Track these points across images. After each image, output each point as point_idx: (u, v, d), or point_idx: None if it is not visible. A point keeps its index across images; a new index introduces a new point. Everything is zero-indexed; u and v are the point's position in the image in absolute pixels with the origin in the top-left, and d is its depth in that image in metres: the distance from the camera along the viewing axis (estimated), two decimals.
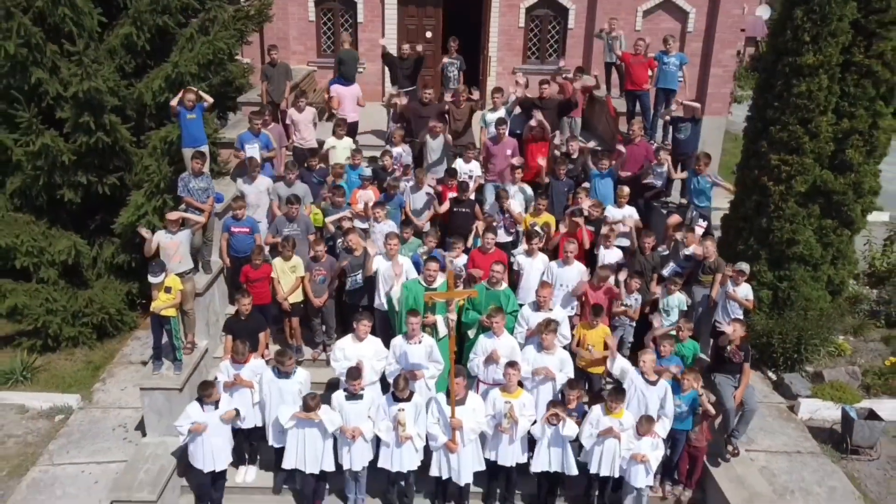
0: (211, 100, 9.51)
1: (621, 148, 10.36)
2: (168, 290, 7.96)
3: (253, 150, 9.83)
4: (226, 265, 9.24)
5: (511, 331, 8.11)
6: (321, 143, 10.82)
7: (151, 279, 7.92)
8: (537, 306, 8.11)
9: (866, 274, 13.32)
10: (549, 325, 7.55)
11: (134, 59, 10.27)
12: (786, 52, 9.78)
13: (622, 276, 8.45)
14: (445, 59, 12.75)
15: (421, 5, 16.34)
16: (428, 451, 7.58)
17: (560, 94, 11.60)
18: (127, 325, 10.98)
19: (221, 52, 10.51)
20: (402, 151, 10.65)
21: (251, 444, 8.14)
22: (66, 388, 9.76)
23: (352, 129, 11.91)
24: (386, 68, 14.07)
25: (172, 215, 8.31)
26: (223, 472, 7.70)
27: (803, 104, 9.69)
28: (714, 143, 16.94)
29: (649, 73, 11.71)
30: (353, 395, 7.24)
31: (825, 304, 10.59)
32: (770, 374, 10.44)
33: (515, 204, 9.53)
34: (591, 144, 10.90)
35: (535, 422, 7.50)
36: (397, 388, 7.21)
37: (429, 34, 16.57)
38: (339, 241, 9.05)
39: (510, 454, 7.51)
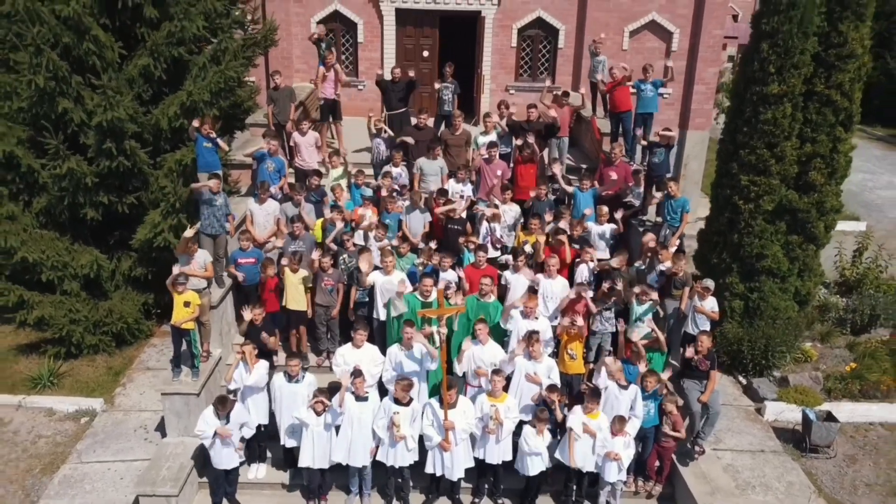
0: (226, 147, 10.41)
1: (613, 175, 11.15)
2: (187, 304, 8.78)
3: (265, 174, 10.64)
4: (239, 280, 9.98)
5: (500, 338, 8.97)
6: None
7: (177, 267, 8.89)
8: (525, 315, 8.95)
9: (837, 283, 14.15)
10: (532, 338, 8.37)
11: (151, 87, 11.07)
12: (753, 82, 10.62)
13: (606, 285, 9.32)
14: (439, 85, 13.52)
15: (418, 26, 17.15)
16: (423, 450, 8.39)
17: (545, 117, 12.37)
18: (143, 333, 11.80)
19: (232, 80, 11.33)
20: (401, 172, 11.47)
21: (260, 445, 8.95)
22: (90, 392, 10.58)
23: (332, 108, 13.28)
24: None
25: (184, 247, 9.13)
26: (236, 469, 8.52)
27: (770, 130, 10.54)
28: (699, 156, 17.81)
29: (632, 91, 12.55)
30: (360, 398, 8.05)
31: (793, 314, 11.43)
32: (740, 378, 11.27)
33: (498, 226, 10.33)
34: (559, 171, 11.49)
35: (519, 422, 8.33)
36: (398, 394, 8.03)
37: (426, 53, 17.40)
38: (343, 256, 9.85)
39: (497, 453, 8.32)
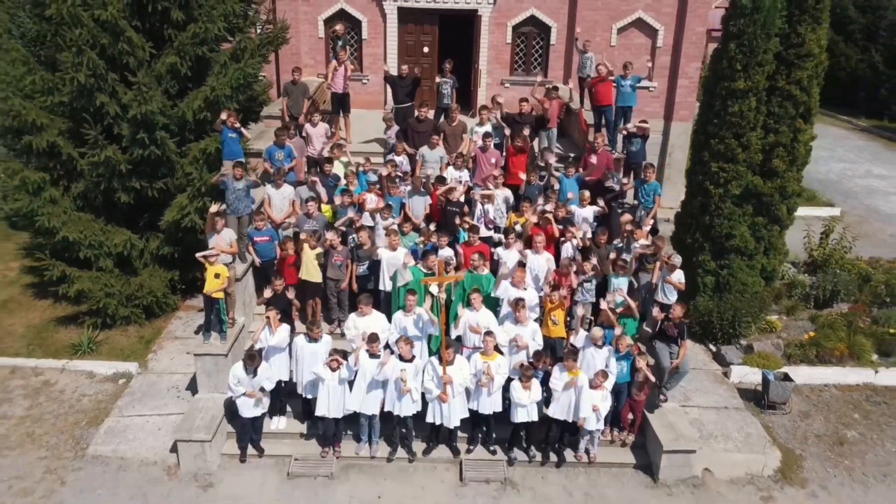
0: (250, 136, 11.59)
1: (595, 162, 12.33)
2: (217, 276, 9.96)
3: (279, 162, 11.81)
4: (256, 262, 11.15)
5: (493, 307, 10.16)
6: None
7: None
8: (514, 285, 10.13)
9: (805, 263, 15.32)
10: (519, 304, 9.57)
11: (177, 82, 12.20)
12: (723, 78, 11.78)
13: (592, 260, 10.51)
14: (439, 79, 14.66)
15: (419, 23, 18.26)
16: (425, 404, 9.58)
17: (537, 109, 13.51)
18: (170, 306, 12.98)
19: (250, 77, 12.47)
20: (403, 160, 12.64)
21: (281, 400, 10.16)
22: (125, 357, 11.77)
23: (342, 101, 14.44)
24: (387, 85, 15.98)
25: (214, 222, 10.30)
26: (260, 418, 9.72)
27: (736, 121, 11.70)
28: (682, 146, 18.90)
29: (615, 81, 13.72)
30: (373, 355, 9.24)
31: (759, 288, 12.60)
32: (710, 346, 12.48)
33: (491, 208, 11.51)
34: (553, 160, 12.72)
35: (509, 379, 9.53)
36: (403, 352, 9.22)
37: (426, 49, 18.51)
38: (352, 236, 11.02)
39: (488, 405, 9.52)
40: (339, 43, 15.03)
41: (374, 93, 18.48)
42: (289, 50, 17.60)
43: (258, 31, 14.02)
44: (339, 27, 15.73)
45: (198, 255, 10.12)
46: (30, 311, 13.08)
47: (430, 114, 13.49)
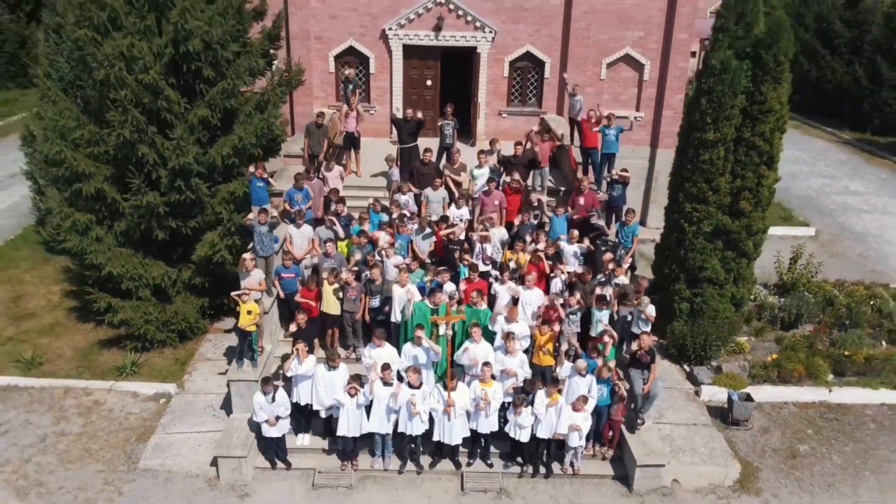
0: (275, 185, 13.03)
1: (582, 202, 13.78)
2: (250, 312, 11.43)
3: (297, 203, 13.27)
4: (280, 295, 12.63)
5: (490, 336, 11.63)
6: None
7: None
8: (508, 319, 11.60)
9: (776, 285, 16.79)
10: (510, 337, 11.04)
11: (208, 132, 13.62)
12: (695, 129, 13.22)
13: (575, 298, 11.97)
14: (442, 121, 16.07)
15: (422, 59, 19.67)
16: (431, 423, 11.06)
17: (531, 149, 14.94)
18: (200, 330, 14.46)
19: (273, 125, 13.90)
20: (409, 199, 14.09)
21: (306, 419, 11.64)
22: (164, 378, 13.26)
23: (353, 140, 15.99)
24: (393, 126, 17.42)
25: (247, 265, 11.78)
26: (282, 437, 11.19)
27: (707, 168, 13.14)
28: (667, 171, 20.15)
29: (600, 130, 15.17)
30: (386, 383, 10.71)
31: (729, 314, 14.06)
32: (685, 366, 13.96)
33: (489, 247, 12.96)
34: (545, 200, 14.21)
35: (503, 403, 11.00)
36: (412, 380, 10.70)
37: (429, 82, 19.94)
38: (365, 273, 12.48)
39: (486, 425, 11.00)
40: (350, 87, 16.42)
41: (380, 123, 19.90)
42: (301, 93, 18.99)
43: (275, 79, 15.34)
44: (349, 72, 17.13)
45: (232, 294, 11.60)
46: (75, 334, 14.55)
47: (433, 156, 14.89)
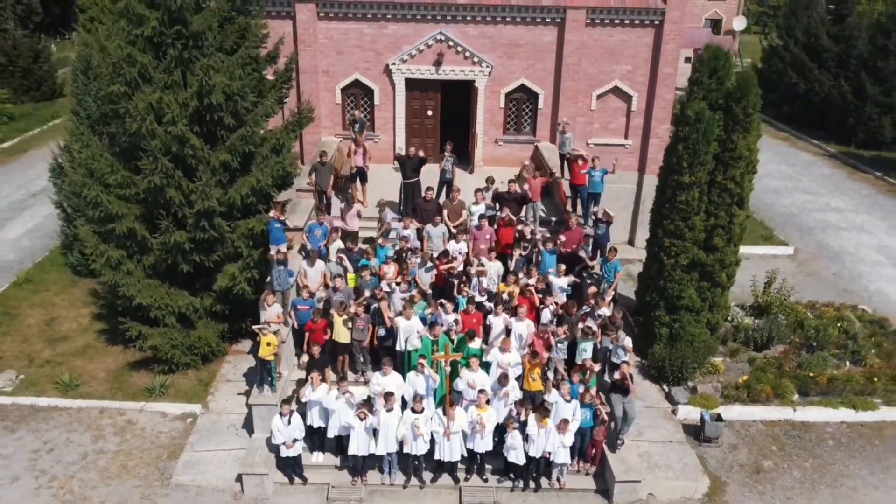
0: (290, 226, 14.36)
1: (570, 237, 15.11)
2: (269, 344, 12.75)
3: (315, 239, 14.58)
4: (294, 325, 13.96)
5: (486, 367, 12.94)
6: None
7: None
8: (502, 350, 12.92)
9: (752, 307, 18.10)
10: (505, 377, 12.35)
11: (228, 174, 14.90)
12: (673, 172, 14.51)
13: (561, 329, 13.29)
14: (440, 165, 17.33)
15: (423, 90, 20.93)
16: (432, 443, 12.37)
17: (523, 189, 16.25)
18: (221, 352, 15.78)
19: (288, 169, 15.18)
20: (412, 233, 15.39)
21: (320, 440, 12.96)
22: (189, 399, 14.60)
23: (361, 174, 17.33)
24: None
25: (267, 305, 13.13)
26: (298, 457, 12.51)
27: (684, 208, 14.44)
28: (652, 196, 21.66)
29: (587, 172, 16.48)
30: (389, 409, 12.04)
31: (705, 338, 15.38)
32: (664, 386, 15.28)
33: (485, 279, 14.28)
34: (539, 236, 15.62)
35: (497, 424, 12.33)
36: (416, 407, 12.03)
37: (430, 112, 21.21)
38: (374, 305, 13.78)
39: (481, 445, 12.32)
40: (357, 126, 17.70)
41: (384, 149, 21.17)
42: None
43: (288, 123, 16.55)
44: (357, 112, 18.41)
45: (254, 327, 12.91)
46: (106, 356, 15.88)
47: (434, 193, 16.19)
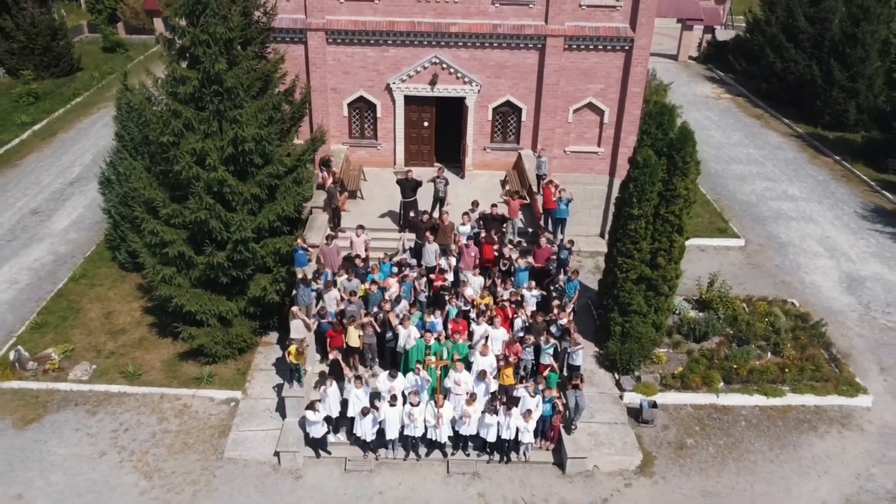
0: (313, 251, 17.53)
1: (541, 255, 18.33)
2: (300, 353, 16.16)
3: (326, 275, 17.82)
4: (312, 330, 17.31)
5: (469, 366, 16.38)
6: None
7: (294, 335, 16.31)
8: (482, 354, 16.34)
9: (697, 300, 21.44)
10: (485, 374, 15.80)
11: (258, 203, 17.95)
12: (625, 205, 17.60)
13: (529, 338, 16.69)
14: (434, 185, 20.32)
15: (420, 105, 23.69)
16: (426, 427, 15.93)
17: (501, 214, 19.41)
18: (253, 345, 19.21)
19: (306, 195, 18.25)
20: (407, 255, 18.59)
21: (339, 424, 16.52)
22: (231, 386, 18.10)
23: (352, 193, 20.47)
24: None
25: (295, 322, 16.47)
26: (324, 437, 16.09)
27: (633, 234, 17.59)
28: None
29: (556, 199, 19.59)
30: (393, 405, 15.54)
31: (652, 335, 18.79)
32: (615, 375, 18.79)
33: (469, 290, 17.58)
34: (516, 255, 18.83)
35: (483, 411, 15.88)
36: (412, 401, 15.53)
37: (426, 123, 24.04)
38: (380, 315, 17.10)
39: (466, 430, 15.87)
40: (326, 166, 20.71)
41: (386, 155, 24.14)
42: (319, 125, 23.11)
43: (305, 156, 19.46)
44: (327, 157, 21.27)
45: (288, 343, 16.23)
46: (159, 348, 19.33)
47: (427, 217, 19.31)
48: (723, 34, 51.85)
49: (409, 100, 23.41)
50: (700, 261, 24.41)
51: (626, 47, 22.38)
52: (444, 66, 22.64)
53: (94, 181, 28.39)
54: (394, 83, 22.96)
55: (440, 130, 24.36)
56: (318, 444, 16.25)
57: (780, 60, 40.20)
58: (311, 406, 15.62)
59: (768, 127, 38.11)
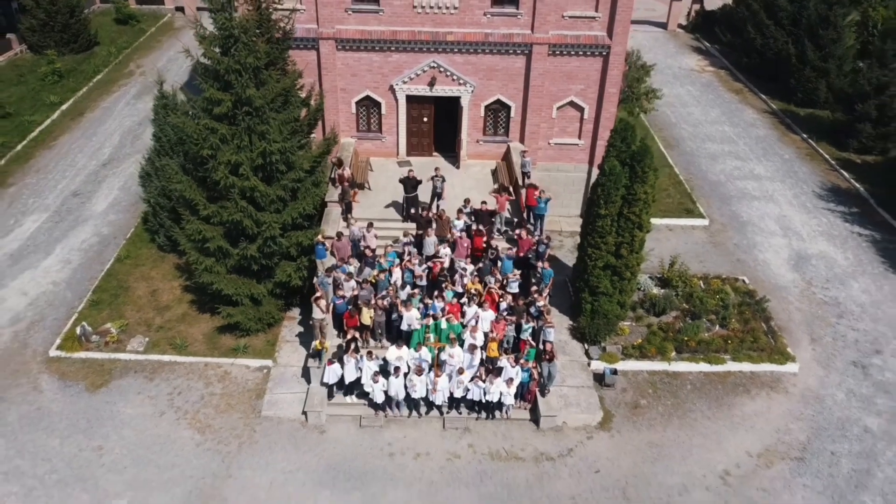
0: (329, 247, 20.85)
1: (521, 244, 21.60)
2: (322, 344, 19.62)
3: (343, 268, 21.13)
4: (329, 312, 20.72)
5: (462, 343, 19.89)
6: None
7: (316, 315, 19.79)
8: (472, 332, 19.83)
9: (660, 278, 24.83)
10: (474, 347, 19.33)
11: (282, 203, 21.10)
12: (594, 205, 20.78)
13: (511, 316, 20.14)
14: (432, 182, 23.41)
15: (420, 103, 26.56)
16: (427, 392, 19.55)
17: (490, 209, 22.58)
18: (279, 320, 22.68)
19: (323, 194, 21.44)
20: (410, 247, 21.86)
21: (353, 389, 20.13)
22: (263, 356, 21.64)
23: (354, 185, 23.60)
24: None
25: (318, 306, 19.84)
26: (333, 387, 19.73)
27: (601, 231, 20.82)
28: None
29: (536, 199, 22.74)
30: (396, 374, 19.10)
31: (617, 312, 22.25)
32: (585, 346, 22.33)
33: (466, 277, 20.96)
34: (502, 246, 22.13)
35: (472, 377, 19.47)
36: (416, 371, 19.09)
37: (425, 119, 26.95)
38: (387, 299, 20.51)
39: (458, 394, 19.48)
40: (337, 167, 23.74)
41: (390, 147, 27.16)
42: (331, 123, 26.09)
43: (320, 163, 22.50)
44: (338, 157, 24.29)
45: (315, 345, 19.70)
46: (200, 322, 22.81)
47: (426, 212, 22.50)
48: (714, 1, 53.49)
49: (410, 99, 26.25)
50: (668, 240, 27.69)
51: (604, 53, 25.10)
52: (442, 69, 25.40)
53: (125, 162, 31.72)
54: (397, 84, 25.76)
55: (438, 125, 27.26)
56: (338, 387, 19.82)
57: (761, 36, 42.44)
58: (341, 355, 19.25)
59: (746, 103, 40.70)
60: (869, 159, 34.12)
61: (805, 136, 36.37)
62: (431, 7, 24.34)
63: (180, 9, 51.81)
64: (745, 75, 43.88)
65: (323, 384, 19.80)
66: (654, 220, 26.84)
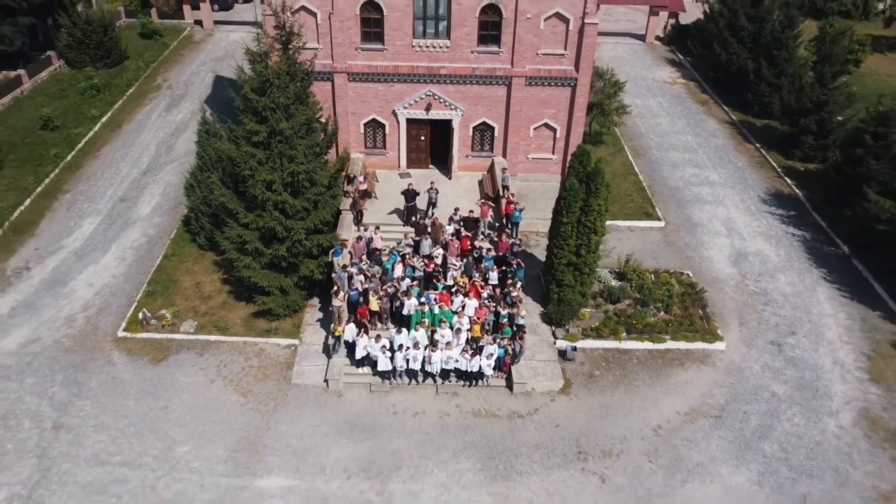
0: (344, 247, 25.84)
1: (502, 247, 26.60)
2: (340, 331, 24.63)
3: (357, 265, 26.12)
4: (344, 301, 25.72)
5: (451, 326, 24.91)
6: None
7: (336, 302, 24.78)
8: (459, 317, 24.84)
9: (617, 272, 29.79)
10: (459, 330, 24.36)
11: (307, 212, 26.03)
12: (558, 214, 25.76)
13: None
14: (427, 195, 28.36)
15: (417, 125, 31.48)
16: (423, 363, 24.57)
17: (476, 217, 27.54)
18: (303, 307, 27.67)
19: (339, 206, 26.41)
20: (408, 248, 26.85)
21: (365, 362, 25.14)
22: (290, 336, 26.63)
23: (366, 195, 28.53)
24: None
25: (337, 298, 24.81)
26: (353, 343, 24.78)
27: (563, 235, 25.78)
28: None
29: (513, 209, 27.72)
30: (399, 350, 24.12)
31: (580, 300, 27.25)
32: (552, 328, 27.35)
33: (456, 273, 25.96)
34: (486, 246, 27.22)
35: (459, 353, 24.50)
36: (416, 347, 24.15)
37: (423, 138, 31.89)
38: (391, 289, 25.51)
39: (450, 366, 24.53)
40: (354, 181, 28.67)
41: (392, 161, 32.09)
42: (343, 141, 31.03)
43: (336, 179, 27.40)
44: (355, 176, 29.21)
45: (333, 331, 24.70)
46: (238, 309, 27.80)
47: (423, 219, 27.47)
48: (695, 10, 57.82)
49: (409, 121, 31.16)
50: (629, 240, 32.64)
51: (572, 84, 29.98)
52: (436, 97, 30.27)
53: (161, 171, 36.60)
54: (398, 109, 30.65)
55: (433, 142, 32.18)
56: (352, 361, 24.90)
57: (725, 52, 47.17)
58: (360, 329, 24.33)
59: (710, 114, 45.49)
60: (811, 167, 38.97)
61: (758, 145, 41.17)
62: (427, 46, 29.18)
63: (199, 22, 56.39)
64: (711, 87, 48.60)
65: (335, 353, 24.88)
66: (617, 223, 32.04)
